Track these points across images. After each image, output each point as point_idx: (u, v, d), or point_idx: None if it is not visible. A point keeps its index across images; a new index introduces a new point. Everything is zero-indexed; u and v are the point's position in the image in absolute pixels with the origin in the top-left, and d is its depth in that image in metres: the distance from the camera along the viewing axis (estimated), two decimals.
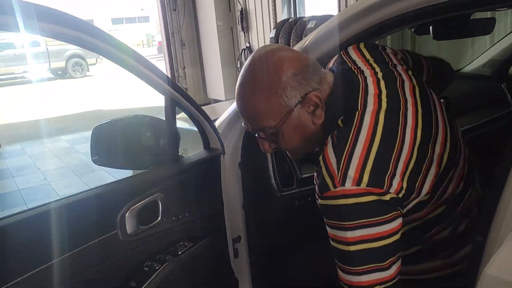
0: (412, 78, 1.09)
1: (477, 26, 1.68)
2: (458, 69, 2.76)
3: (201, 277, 1.38)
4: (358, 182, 0.90)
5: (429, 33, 1.67)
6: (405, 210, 0.97)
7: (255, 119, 1.03)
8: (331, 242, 0.97)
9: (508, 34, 2.66)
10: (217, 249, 1.48)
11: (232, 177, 1.63)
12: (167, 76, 1.26)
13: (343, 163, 0.92)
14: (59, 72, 15.22)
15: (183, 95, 1.30)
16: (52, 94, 11.95)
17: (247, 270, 1.70)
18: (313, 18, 5.10)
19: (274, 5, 6.31)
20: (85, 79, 15.05)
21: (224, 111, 1.68)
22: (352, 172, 0.91)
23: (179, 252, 1.29)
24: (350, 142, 0.95)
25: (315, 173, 1.03)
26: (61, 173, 5.30)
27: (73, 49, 15.22)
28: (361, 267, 0.92)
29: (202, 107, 1.40)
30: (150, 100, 5.14)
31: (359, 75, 1.06)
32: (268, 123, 1.01)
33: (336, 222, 0.94)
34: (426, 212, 1.04)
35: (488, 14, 2.81)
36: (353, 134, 0.96)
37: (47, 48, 14.68)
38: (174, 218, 1.31)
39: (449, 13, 1.17)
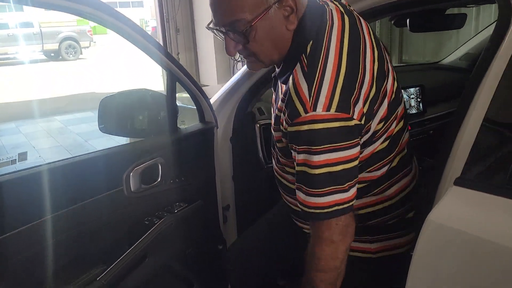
0: (368, 26, 1.16)
1: (450, 20, 1.85)
2: (438, 60, 2.95)
3: (193, 233, 1.56)
4: (328, 107, 0.95)
5: (407, 26, 1.85)
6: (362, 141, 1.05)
7: (231, 10, 0.98)
8: (297, 168, 1.03)
9: (482, 30, 2.85)
10: (209, 211, 1.65)
11: (224, 151, 1.81)
12: (171, 55, 1.42)
13: (314, 90, 0.96)
14: (52, 54, 15.18)
15: (184, 73, 1.46)
16: (45, 75, 11.96)
17: (235, 233, 1.89)
18: None
19: None
20: (78, 61, 15.04)
21: (216, 93, 1.85)
22: (322, 98, 0.95)
23: (175, 211, 1.46)
24: (320, 69, 0.98)
25: (279, 103, 1.09)
26: (55, 152, 5.43)
27: (66, 31, 15.19)
28: (324, 189, 0.99)
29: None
30: (142, 84, 5.26)
31: (327, 8, 1.10)
32: (245, 15, 0.98)
33: (305, 147, 0.99)
34: (373, 147, 1.11)
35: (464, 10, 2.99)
36: (321, 62, 0.99)
37: (40, 30, 14.63)
38: (171, 181, 1.48)
39: (416, 7, 1.34)
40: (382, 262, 1.26)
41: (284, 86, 1.10)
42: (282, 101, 1.07)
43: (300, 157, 1.01)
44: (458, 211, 0.94)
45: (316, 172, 0.99)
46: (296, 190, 1.06)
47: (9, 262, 1.08)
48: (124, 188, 1.33)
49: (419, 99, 2.22)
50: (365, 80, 1.02)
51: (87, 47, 16.04)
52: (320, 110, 0.95)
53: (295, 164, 1.04)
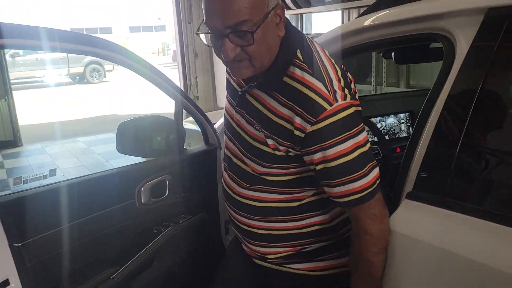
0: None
1: (432, 53, 2.04)
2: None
3: (196, 242, 1.76)
4: (345, 97, 1.04)
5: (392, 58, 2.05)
6: None
7: (240, 11, 0.98)
8: (332, 164, 1.04)
9: None
10: (211, 223, 1.85)
11: None
12: (178, 86, 1.66)
13: (328, 84, 1.04)
14: (77, 77, 15.81)
15: (189, 101, 1.69)
16: (71, 98, 12.50)
17: None
18: (318, 35, 5.47)
19: None
20: (102, 84, 15.61)
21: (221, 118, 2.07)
22: (338, 90, 1.04)
23: (180, 221, 1.68)
24: (323, 69, 1.06)
25: (286, 112, 1.07)
26: (78, 171, 5.73)
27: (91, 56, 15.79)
28: (366, 167, 1.06)
29: (212, 112, 1.80)
30: (160, 106, 5.54)
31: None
32: (253, 16, 0.99)
33: (336, 138, 1.02)
34: None
35: None
36: (320, 64, 1.07)
37: (67, 55, 15.30)
38: (177, 196, 1.70)
39: (391, 46, 1.54)
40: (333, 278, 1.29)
41: (262, 96, 1.12)
42: (285, 106, 1.07)
43: (333, 151, 1.03)
44: (409, 220, 1.13)
45: (354, 156, 1.04)
46: (337, 187, 1.07)
47: (38, 261, 1.30)
48: (136, 200, 1.55)
49: (408, 124, 2.41)
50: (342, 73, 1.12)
51: (111, 71, 16.65)
52: (340, 100, 1.03)
53: (330, 163, 1.04)
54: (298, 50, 1.09)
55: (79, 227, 1.40)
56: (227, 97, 1.30)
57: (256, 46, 1.02)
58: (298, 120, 1.04)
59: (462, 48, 1.17)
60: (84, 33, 1.42)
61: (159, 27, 36.19)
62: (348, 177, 1.05)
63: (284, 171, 1.15)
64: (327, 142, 1.03)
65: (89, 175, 1.47)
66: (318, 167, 1.07)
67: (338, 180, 1.06)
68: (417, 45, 2.01)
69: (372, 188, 1.07)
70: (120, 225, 1.52)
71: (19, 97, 9.08)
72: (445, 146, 1.15)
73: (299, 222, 1.21)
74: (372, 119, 2.26)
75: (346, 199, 1.07)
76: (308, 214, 1.21)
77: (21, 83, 14.55)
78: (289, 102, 1.06)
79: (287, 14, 6.48)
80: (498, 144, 1.13)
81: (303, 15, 6.54)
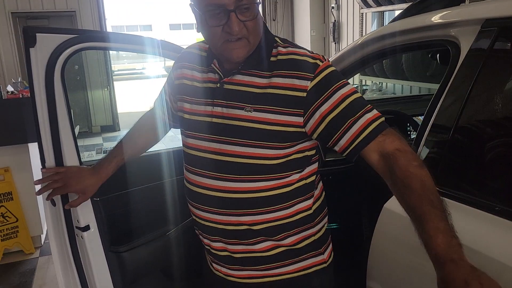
0: None
1: None
2: None
3: None
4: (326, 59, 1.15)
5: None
6: None
7: None
8: (348, 101, 1.09)
9: None
10: None
11: None
12: None
13: (310, 51, 1.16)
14: None
15: None
16: None
17: None
18: None
19: (365, 19, 6.76)
20: None
21: None
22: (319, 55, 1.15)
23: None
24: (298, 45, 1.18)
25: (281, 80, 1.11)
26: None
27: None
28: (369, 105, 1.11)
29: None
30: None
31: None
32: None
33: (336, 85, 1.10)
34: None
35: None
36: (294, 42, 1.19)
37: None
38: None
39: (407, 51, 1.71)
40: (332, 263, 1.30)
41: (246, 79, 1.14)
42: (279, 76, 1.11)
43: (345, 90, 1.10)
44: None
45: (358, 95, 1.11)
46: (354, 125, 1.07)
47: (110, 213, 1.67)
48: None
49: None
50: None
51: None
52: (326, 60, 1.14)
53: (347, 99, 1.09)
54: (275, 36, 1.19)
55: (143, 191, 1.76)
56: (188, 101, 1.24)
57: (256, 22, 1.09)
58: (297, 82, 1.09)
59: (464, 52, 1.32)
60: (125, 31, 1.77)
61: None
62: (360, 111, 1.08)
63: (276, 152, 1.13)
64: (329, 90, 1.09)
65: (154, 151, 1.82)
66: (328, 119, 1.09)
67: (352, 118, 1.07)
68: None
69: (384, 118, 1.09)
70: (171, 196, 1.85)
71: (120, 87, 10.06)
72: (441, 141, 1.32)
73: (288, 210, 1.18)
74: None
75: (367, 131, 1.06)
76: (295, 200, 1.19)
77: (123, 74, 15.95)
78: (283, 72, 1.11)
79: (368, 11, 6.51)
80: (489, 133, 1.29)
81: (386, 12, 6.52)
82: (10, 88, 3.74)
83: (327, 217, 1.31)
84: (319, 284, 1.26)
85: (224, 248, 1.23)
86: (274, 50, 1.14)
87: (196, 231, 1.32)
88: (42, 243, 3.66)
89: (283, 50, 1.14)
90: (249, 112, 1.12)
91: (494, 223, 1.11)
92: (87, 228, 1.54)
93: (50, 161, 1.50)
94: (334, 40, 7.48)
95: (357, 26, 6.91)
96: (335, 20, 7.42)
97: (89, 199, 1.52)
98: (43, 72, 1.44)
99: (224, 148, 1.15)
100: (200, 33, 1.14)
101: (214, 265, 1.30)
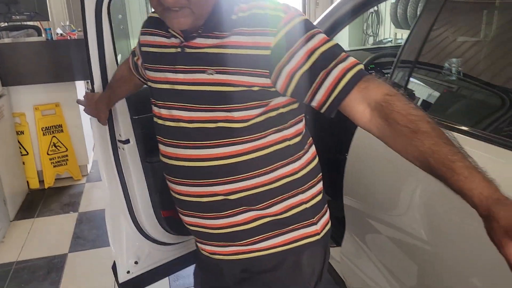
0: None
1: None
2: None
3: None
4: (291, 8, 1.01)
5: None
6: None
7: None
8: (318, 52, 0.96)
9: None
10: None
11: None
12: None
13: (275, 2, 1.03)
14: None
15: None
16: None
17: None
18: None
19: None
20: None
21: None
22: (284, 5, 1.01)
23: None
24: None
25: (244, 39, 1.00)
26: None
27: None
28: (344, 52, 0.98)
29: None
30: None
31: None
32: None
33: (304, 37, 0.97)
34: None
35: None
36: None
37: None
38: None
39: None
40: (327, 235, 1.21)
41: (208, 42, 1.04)
42: (242, 34, 1.00)
43: (311, 43, 0.97)
44: None
45: (332, 43, 0.99)
46: (332, 71, 0.95)
47: (146, 131, 1.91)
48: None
49: None
50: None
51: None
52: (292, 9, 1.01)
53: (314, 52, 0.96)
54: None
55: None
56: (151, 68, 1.19)
57: None
58: (259, 39, 0.98)
59: None
60: None
61: None
62: (333, 61, 0.95)
63: (243, 113, 1.03)
64: (296, 44, 0.97)
65: None
66: (297, 76, 0.97)
67: (325, 70, 0.95)
68: None
69: (362, 66, 0.97)
70: None
71: None
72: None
73: (268, 175, 1.09)
74: None
75: (344, 80, 0.94)
76: (277, 164, 1.09)
77: None
78: (244, 29, 1.00)
79: None
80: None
81: None
82: (59, 31, 4.07)
83: (321, 183, 1.21)
84: (309, 257, 1.16)
85: (203, 224, 1.15)
86: (236, 8, 1.02)
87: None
88: (89, 171, 4.09)
89: (244, 6, 1.02)
90: (211, 75, 1.03)
91: None
92: (127, 141, 1.79)
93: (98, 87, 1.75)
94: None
95: None
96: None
97: (129, 118, 1.80)
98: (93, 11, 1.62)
99: (189, 115, 1.07)
100: None
101: (199, 244, 1.24)
